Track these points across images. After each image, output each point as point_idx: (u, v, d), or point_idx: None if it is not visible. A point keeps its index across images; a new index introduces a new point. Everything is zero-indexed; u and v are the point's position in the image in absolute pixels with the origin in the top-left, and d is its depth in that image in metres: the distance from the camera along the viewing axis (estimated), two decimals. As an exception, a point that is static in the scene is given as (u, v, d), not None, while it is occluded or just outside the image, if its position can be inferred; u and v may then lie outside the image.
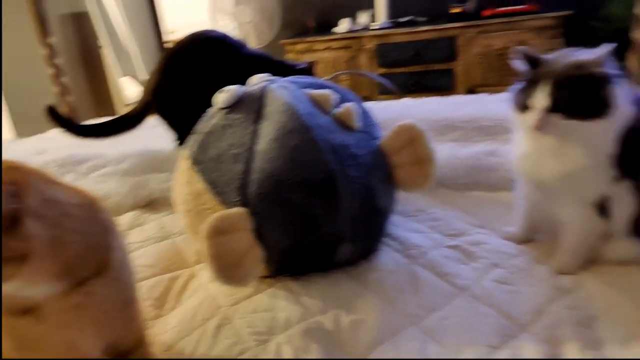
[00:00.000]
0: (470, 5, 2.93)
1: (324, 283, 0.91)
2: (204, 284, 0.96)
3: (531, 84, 0.82)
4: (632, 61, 1.66)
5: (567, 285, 0.86)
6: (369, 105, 1.65)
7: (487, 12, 2.89)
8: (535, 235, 1.03)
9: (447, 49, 2.94)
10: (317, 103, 0.95)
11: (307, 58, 2.07)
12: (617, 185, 0.84)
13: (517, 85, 0.86)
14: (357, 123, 0.97)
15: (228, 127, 0.90)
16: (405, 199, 1.18)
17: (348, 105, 0.98)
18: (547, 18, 2.77)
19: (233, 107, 0.93)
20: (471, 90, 2.86)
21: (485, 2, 2.92)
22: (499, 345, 0.74)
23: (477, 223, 1.10)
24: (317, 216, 0.85)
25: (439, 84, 2.98)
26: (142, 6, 3.47)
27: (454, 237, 1.04)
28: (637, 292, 0.83)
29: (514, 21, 2.82)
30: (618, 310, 0.79)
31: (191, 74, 1.31)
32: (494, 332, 0.77)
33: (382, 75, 3.05)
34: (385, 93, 2.76)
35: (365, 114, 1.04)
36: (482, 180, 1.22)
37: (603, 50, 0.79)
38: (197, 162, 0.90)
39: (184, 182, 0.92)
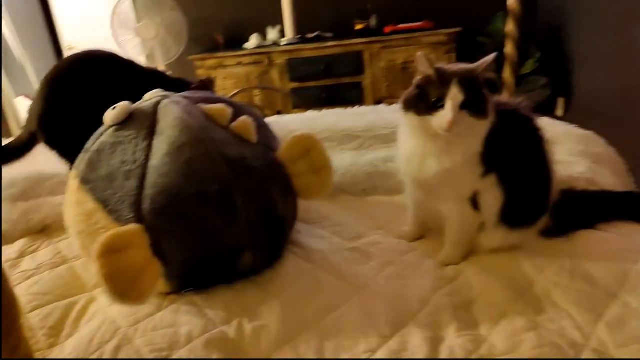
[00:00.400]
0: (372, 22, 3.11)
1: (228, 294, 0.92)
2: (104, 308, 0.93)
3: (435, 86, 0.88)
4: (506, 72, 1.89)
5: (449, 275, 0.96)
6: (277, 118, 1.70)
7: (388, 29, 3.09)
8: (426, 233, 1.12)
9: (355, 63, 3.09)
10: (211, 117, 0.97)
11: (215, 74, 2.08)
12: (485, 180, 0.95)
13: (411, 93, 0.93)
14: (253, 135, 1.00)
15: (119, 145, 0.89)
16: (309, 207, 1.24)
17: (244, 118, 1.00)
18: (441, 34, 3.02)
19: (124, 124, 0.92)
20: (378, 102, 3.03)
21: (386, 19, 3.12)
22: (390, 335, 0.81)
23: (375, 225, 1.18)
24: (214, 227, 0.86)
25: (349, 96, 3.11)
26: (38, 22, 3.25)
27: (354, 240, 1.11)
28: (507, 275, 0.94)
29: (413, 37, 3.04)
30: (492, 293, 0.89)
31: (79, 98, 1.20)
32: (385, 323, 0.83)
33: (295, 89, 3.14)
34: (299, 107, 2.84)
35: (262, 127, 1.08)
36: (380, 185, 1.31)
37: (486, 59, 0.90)
38: (86, 181, 0.88)
39: (73, 203, 0.89)
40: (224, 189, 0.86)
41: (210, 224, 0.86)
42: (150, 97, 0.98)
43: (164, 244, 0.85)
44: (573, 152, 1.32)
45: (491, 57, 0.90)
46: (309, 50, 3.06)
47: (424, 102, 0.89)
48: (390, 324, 0.83)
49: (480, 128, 0.91)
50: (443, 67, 0.91)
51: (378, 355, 0.76)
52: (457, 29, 3.00)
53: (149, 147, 0.88)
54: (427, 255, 1.04)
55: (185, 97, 0.99)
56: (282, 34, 3.17)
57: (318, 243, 1.08)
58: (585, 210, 1.10)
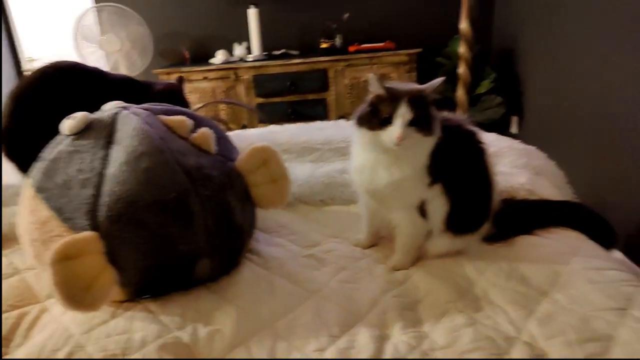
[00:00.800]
0: (337, 41, 3.22)
1: (184, 300, 0.94)
2: (57, 316, 0.93)
3: (386, 104, 0.94)
4: (459, 91, 2.00)
5: (399, 279, 1.01)
6: (240, 132, 1.74)
7: (353, 48, 3.20)
8: (379, 240, 1.18)
9: (320, 80, 3.17)
10: (171, 128, 1.00)
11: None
12: (431, 190, 1.02)
13: (364, 110, 0.99)
14: (213, 146, 1.04)
15: (76, 153, 0.90)
16: (268, 217, 1.27)
17: (204, 130, 1.04)
18: (402, 55, 3.15)
19: (81, 133, 0.93)
20: (342, 118, 3.11)
21: (351, 39, 3.24)
22: (340, 335, 0.85)
23: (331, 234, 1.22)
24: (171, 234, 0.88)
25: (314, 112, 3.18)
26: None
27: (310, 247, 1.15)
28: (451, 277, 1.00)
29: (376, 56, 3.16)
30: (436, 294, 0.95)
31: (44, 112, 1.19)
32: (336, 324, 0.87)
33: (261, 104, 3.18)
34: (264, 122, 2.88)
35: (222, 139, 1.11)
36: (337, 196, 1.36)
37: (435, 81, 0.97)
38: (42, 189, 0.88)
39: (27, 211, 0.89)
40: (181, 197, 0.89)
41: (166, 231, 0.88)
42: (110, 107, 1.00)
43: (119, 251, 0.86)
44: (515, 165, 1.41)
45: (439, 80, 0.98)
46: (275, 67, 3.12)
47: (375, 119, 0.95)
48: (341, 324, 0.87)
49: (427, 143, 0.98)
50: (393, 87, 0.97)
51: (327, 353, 0.80)
52: (418, 50, 3.14)
53: (106, 156, 0.90)
54: (379, 260, 1.09)
55: (146, 109, 1.02)
56: (249, 50, 3.23)
57: (275, 251, 1.12)
58: (524, 217, 1.18)
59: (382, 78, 0.96)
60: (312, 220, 1.30)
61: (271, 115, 3.08)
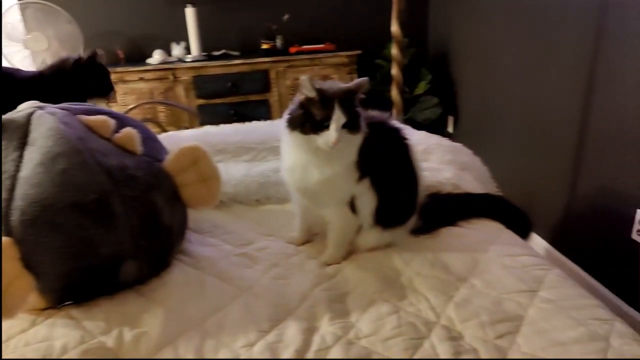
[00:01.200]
0: (278, 42, 3.23)
1: (109, 304, 0.91)
2: (-30, 328, 0.87)
3: (319, 108, 0.95)
4: (393, 92, 2.07)
5: (330, 273, 1.04)
6: (174, 133, 1.71)
7: (293, 49, 3.22)
8: (313, 237, 1.20)
9: (261, 82, 3.16)
10: (92, 128, 0.97)
11: (115, 87, 2.01)
12: (360, 185, 1.06)
13: (294, 111, 1.00)
14: (138, 147, 1.02)
15: (-15, 156, 0.85)
16: (201, 217, 1.26)
17: (128, 130, 1.01)
18: (342, 56, 3.21)
19: (-9, 134, 0.89)
20: (285, 119, 3.12)
21: (291, 40, 3.26)
22: (269, 329, 0.86)
23: (266, 232, 1.23)
24: (92, 237, 0.86)
25: (256, 113, 3.16)
26: None
27: (243, 246, 1.15)
28: (379, 269, 1.04)
29: (317, 58, 3.20)
30: (364, 286, 0.99)
31: None
32: (265, 319, 0.88)
33: (202, 106, 3.13)
34: (206, 124, 2.83)
35: (150, 139, 1.09)
36: (272, 194, 1.38)
37: (361, 81, 0.99)
38: (-53, 194, 0.83)
39: None
40: (102, 198, 0.87)
41: (86, 234, 0.85)
42: (25, 107, 0.95)
43: (36, 256, 0.83)
44: (442, 161, 1.49)
45: (364, 79, 1.01)
46: (216, 68, 3.08)
47: (309, 122, 0.96)
48: (270, 319, 0.88)
49: (356, 140, 1.01)
50: (324, 88, 0.97)
51: (256, 348, 0.81)
52: (358, 52, 3.21)
53: (19, 158, 0.86)
54: (312, 256, 1.11)
55: (64, 108, 0.98)
56: (188, 50, 3.16)
57: (207, 251, 1.11)
58: (449, 210, 1.25)
59: (314, 79, 0.98)
60: (248, 219, 1.30)
61: (213, 117, 3.03)
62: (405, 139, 1.13)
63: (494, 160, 2.58)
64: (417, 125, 2.15)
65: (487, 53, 2.67)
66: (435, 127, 3.16)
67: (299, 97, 1.01)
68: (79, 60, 1.40)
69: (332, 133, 0.94)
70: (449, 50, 3.26)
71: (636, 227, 1.63)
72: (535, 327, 0.84)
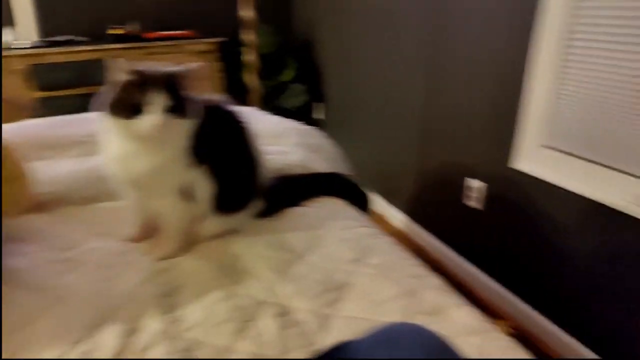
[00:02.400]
0: (131, 28, 2.98)
1: None
2: None
3: (138, 91, 0.87)
4: (247, 77, 2.04)
5: (164, 267, 0.98)
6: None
7: (150, 35, 3.01)
8: (154, 232, 1.12)
9: (115, 71, 2.91)
10: None
11: None
12: (195, 172, 1.01)
13: (115, 97, 0.90)
14: None
15: None
16: (20, 224, 1.10)
17: None
18: (205, 43, 3.08)
19: None
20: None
21: (149, 26, 3.03)
22: (83, 338, 0.77)
23: (98, 232, 1.12)
24: None
25: (111, 106, 2.90)
26: None
27: (68, 250, 1.03)
28: (218, 257, 1.01)
29: (178, 45, 3.02)
30: (200, 276, 0.95)
31: None
32: (81, 327, 0.79)
33: (45, 99, 2.77)
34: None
35: None
36: (106, 190, 1.25)
37: (192, 64, 0.93)
38: None
39: None
40: None
41: None
42: None
43: None
44: (292, 144, 1.50)
45: (197, 64, 0.96)
46: (58, 55, 2.74)
47: (129, 107, 0.88)
48: (88, 326, 0.79)
49: (184, 126, 0.95)
50: (144, 71, 0.91)
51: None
52: (220, 39, 3.11)
53: None
54: (146, 252, 1.03)
55: None
56: (20, 35, 2.76)
57: (19, 262, 0.97)
58: (294, 191, 1.27)
59: (132, 62, 0.89)
60: (78, 220, 1.17)
61: (59, 111, 2.69)
62: (241, 122, 1.10)
63: (359, 143, 2.72)
64: (285, 113, 2.15)
65: (349, 43, 2.77)
66: (302, 113, 3.22)
67: (117, 81, 0.92)
68: None
69: (153, 117, 0.88)
70: (314, 38, 3.32)
71: (465, 193, 1.84)
72: (359, 291, 0.88)
